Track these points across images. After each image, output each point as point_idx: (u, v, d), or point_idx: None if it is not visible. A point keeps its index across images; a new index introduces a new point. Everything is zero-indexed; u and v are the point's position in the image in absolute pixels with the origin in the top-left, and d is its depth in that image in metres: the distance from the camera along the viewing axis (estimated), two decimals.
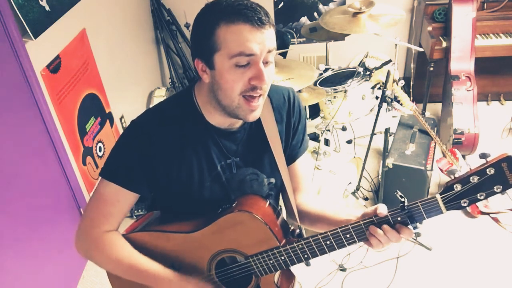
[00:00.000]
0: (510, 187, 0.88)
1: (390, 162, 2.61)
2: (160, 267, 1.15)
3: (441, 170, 2.83)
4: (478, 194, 0.90)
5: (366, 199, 2.95)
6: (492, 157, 0.90)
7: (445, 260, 2.52)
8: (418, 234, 2.61)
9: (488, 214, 2.74)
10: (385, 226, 1.01)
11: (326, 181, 2.57)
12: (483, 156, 0.89)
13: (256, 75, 0.99)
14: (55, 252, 2.39)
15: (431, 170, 2.65)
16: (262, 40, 0.97)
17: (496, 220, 2.72)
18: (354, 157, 2.85)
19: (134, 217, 2.86)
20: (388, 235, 1.01)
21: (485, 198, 0.90)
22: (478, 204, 2.67)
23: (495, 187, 0.89)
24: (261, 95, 1.04)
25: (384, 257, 2.54)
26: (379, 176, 2.79)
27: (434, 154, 2.75)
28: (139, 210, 2.90)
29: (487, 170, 0.88)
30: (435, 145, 2.79)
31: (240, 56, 0.97)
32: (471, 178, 0.89)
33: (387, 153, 2.64)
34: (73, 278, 2.57)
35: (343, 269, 2.49)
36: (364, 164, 2.87)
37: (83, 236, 1.18)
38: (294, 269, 1.18)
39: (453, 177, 0.93)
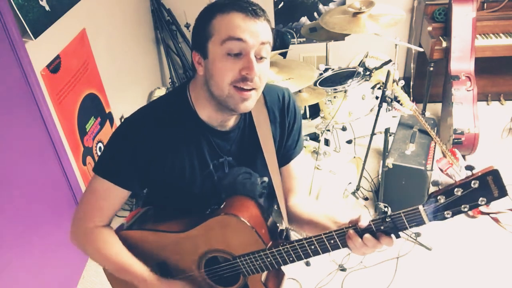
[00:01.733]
0: (494, 200, 0.88)
1: (390, 162, 2.61)
2: (145, 270, 1.17)
3: (441, 170, 2.83)
4: (462, 206, 0.90)
5: (366, 199, 2.95)
6: (478, 170, 0.89)
7: (445, 260, 2.52)
8: (418, 234, 2.61)
9: (488, 214, 2.74)
10: (367, 236, 1.00)
11: (326, 181, 2.57)
12: (468, 168, 0.90)
13: (246, 65, 1.00)
14: (55, 252, 2.39)
15: (431, 170, 2.65)
16: (255, 29, 0.99)
17: (496, 220, 2.71)
18: (354, 157, 2.85)
19: None
20: (368, 244, 1.00)
21: (469, 209, 0.90)
22: None
23: (479, 200, 0.88)
24: (253, 89, 1.03)
25: (384, 257, 2.54)
26: (379, 176, 2.79)
27: (434, 154, 2.74)
28: None
29: (472, 183, 0.87)
30: (435, 145, 2.79)
31: (230, 41, 0.98)
32: (455, 190, 0.89)
33: (387, 153, 2.64)
34: (73, 278, 2.57)
35: (343, 269, 2.49)
36: (364, 164, 2.86)
37: (76, 228, 1.21)
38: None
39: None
